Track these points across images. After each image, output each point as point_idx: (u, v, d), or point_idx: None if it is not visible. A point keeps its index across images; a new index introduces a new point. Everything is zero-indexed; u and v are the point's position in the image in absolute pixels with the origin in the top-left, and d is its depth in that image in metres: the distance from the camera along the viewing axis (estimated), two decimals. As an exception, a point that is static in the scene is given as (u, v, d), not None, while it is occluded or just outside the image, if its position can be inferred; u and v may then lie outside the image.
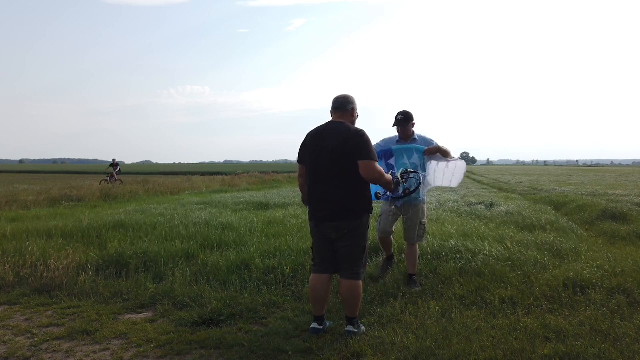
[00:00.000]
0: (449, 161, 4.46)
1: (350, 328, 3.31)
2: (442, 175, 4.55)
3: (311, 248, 3.55)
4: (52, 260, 4.79)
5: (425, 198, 4.59)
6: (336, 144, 3.27)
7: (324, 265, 3.42)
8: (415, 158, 4.42)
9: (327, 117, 3.53)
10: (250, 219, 8.03)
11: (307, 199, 3.49)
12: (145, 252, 5.18)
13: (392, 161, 4.51)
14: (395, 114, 4.37)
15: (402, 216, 4.51)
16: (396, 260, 4.91)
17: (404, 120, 4.33)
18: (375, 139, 4.19)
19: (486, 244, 5.29)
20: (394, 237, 4.84)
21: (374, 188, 3.75)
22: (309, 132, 3.51)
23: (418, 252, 4.52)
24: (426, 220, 4.57)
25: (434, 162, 4.49)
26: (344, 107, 3.48)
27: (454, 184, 4.58)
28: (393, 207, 4.46)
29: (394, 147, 4.48)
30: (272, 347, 3.11)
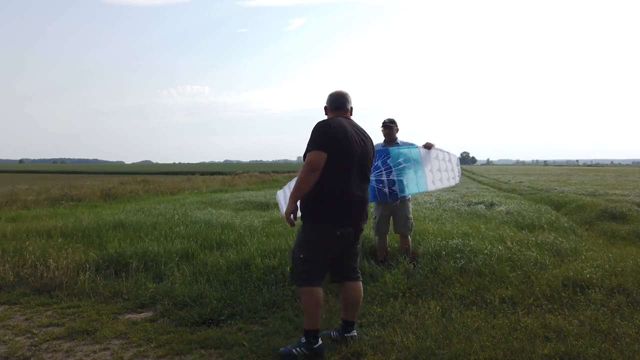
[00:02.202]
0: (438, 154, 5.12)
1: (354, 333, 3.22)
2: (437, 169, 5.16)
3: (315, 258, 3.00)
4: (51, 260, 4.79)
5: (410, 196, 5.17)
6: (371, 146, 3.23)
7: (325, 276, 3.13)
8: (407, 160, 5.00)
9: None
10: (250, 218, 8.03)
11: (346, 200, 2.97)
12: (145, 252, 5.18)
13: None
14: (383, 121, 5.11)
15: (390, 216, 5.08)
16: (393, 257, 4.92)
17: (391, 123, 5.07)
18: (375, 139, 4.45)
19: (486, 243, 5.29)
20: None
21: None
22: (335, 121, 3.00)
23: (410, 242, 5.15)
24: (412, 216, 5.15)
25: (427, 166, 5.06)
26: (344, 107, 3.19)
27: (452, 180, 5.08)
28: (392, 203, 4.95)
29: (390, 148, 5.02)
30: (272, 347, 3.10)
